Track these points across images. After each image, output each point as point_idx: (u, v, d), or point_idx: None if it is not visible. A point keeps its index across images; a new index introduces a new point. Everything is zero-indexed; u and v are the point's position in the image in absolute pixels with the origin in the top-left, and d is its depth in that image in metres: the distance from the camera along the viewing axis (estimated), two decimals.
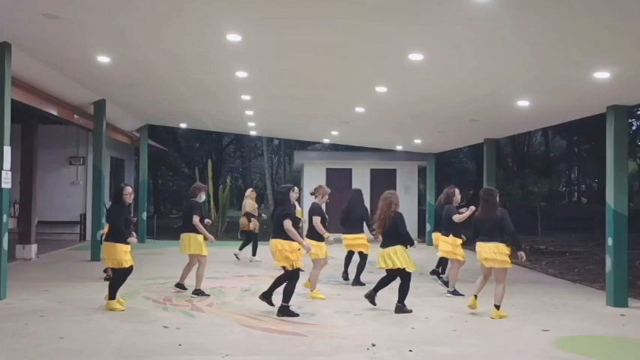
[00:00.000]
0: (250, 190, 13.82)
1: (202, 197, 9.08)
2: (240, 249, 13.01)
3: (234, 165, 41.96)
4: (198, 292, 8.67)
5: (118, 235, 7.61)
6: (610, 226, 8.73)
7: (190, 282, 8.90)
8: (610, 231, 8.73)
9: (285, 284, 7.57)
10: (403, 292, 7.84)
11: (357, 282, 9.93)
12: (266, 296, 7.74)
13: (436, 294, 9.25)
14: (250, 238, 13.02)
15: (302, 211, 10.96)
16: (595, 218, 18.50)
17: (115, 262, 7.65)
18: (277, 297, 7.61)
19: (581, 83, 7.92)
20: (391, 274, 7.97)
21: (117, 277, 7.74)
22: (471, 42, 6.70)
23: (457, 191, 9.62)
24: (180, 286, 8.98)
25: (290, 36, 7.10)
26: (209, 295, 8.65)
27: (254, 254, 12.86)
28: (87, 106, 12.93)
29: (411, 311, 7.74)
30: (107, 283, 8.15)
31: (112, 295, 7.60)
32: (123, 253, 7.58)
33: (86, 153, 17.04)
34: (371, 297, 8.02)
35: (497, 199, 7.80)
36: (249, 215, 12.98)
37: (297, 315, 7.42)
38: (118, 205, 7.84)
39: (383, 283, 8.05)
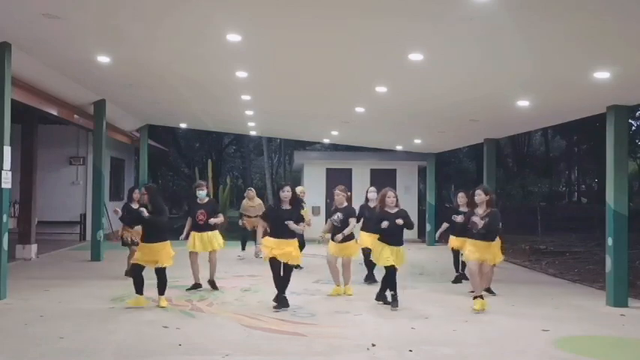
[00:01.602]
0: (248, 189, 14.25)
1: (198, 194, 9.18)
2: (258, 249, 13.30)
3: (234, 165, 41.92)
4: (211, 283, 9.09)
5: None
6: (610, 226, 8.73)
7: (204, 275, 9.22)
8: (610, 231, 8.73)
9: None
10: (383, 284, 8.24)
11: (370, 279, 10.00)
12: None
13: (436, 294, 9.25)
14: (243, 236, 13.70)
15: (307, 211, 11.03)
16: (595, 218, 18.50)
17: None
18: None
19: (581, 83, 7.91)
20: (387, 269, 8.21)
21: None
22: (471, 42, 6.70)
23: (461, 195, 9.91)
24: (211, 283, 9.18)
25: (290, 36, 7.09)
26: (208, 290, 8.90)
27: (243, 249, 13.57)
28: (87, 106, 12.93)
29: (387, 303, 8.01)
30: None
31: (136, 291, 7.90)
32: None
33: (86, 153, 17.03)
34: (381, 298, 8.27)
35: (477, 198, 8.12)
36: (241, 215, 13.62)
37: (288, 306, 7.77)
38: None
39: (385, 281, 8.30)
